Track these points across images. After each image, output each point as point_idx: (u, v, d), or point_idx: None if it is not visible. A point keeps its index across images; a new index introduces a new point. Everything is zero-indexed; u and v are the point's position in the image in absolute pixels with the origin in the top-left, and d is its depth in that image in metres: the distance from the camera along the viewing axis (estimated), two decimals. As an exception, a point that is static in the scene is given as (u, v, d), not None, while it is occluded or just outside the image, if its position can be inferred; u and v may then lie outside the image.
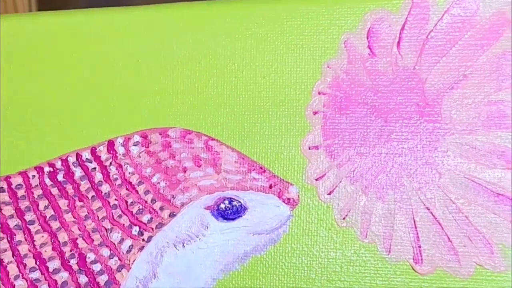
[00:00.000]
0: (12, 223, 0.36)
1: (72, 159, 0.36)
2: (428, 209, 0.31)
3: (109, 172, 0.35)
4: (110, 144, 0.36)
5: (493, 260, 0.30)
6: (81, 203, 0.35)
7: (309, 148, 0.33)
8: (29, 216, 0.36)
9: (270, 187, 0.33)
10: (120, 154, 0.35)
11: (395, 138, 0.32)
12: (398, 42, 0.32)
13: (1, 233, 0.36)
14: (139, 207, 0.34)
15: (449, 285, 0.31)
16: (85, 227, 0.35)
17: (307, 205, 0.33)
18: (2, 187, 0.36)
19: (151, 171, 0.35)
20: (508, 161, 0.31)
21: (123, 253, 0.34)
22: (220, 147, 0.34)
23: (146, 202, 0.34)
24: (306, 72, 0.33)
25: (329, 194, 0.32)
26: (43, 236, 0.35)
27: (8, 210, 0.36)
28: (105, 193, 0.35)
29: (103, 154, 0.36)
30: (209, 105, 0.35)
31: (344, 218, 0.32)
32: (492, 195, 0.31)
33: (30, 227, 0.35)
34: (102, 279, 0.34)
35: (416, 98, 0.32)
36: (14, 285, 0.35)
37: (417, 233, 0.31)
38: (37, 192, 0.36)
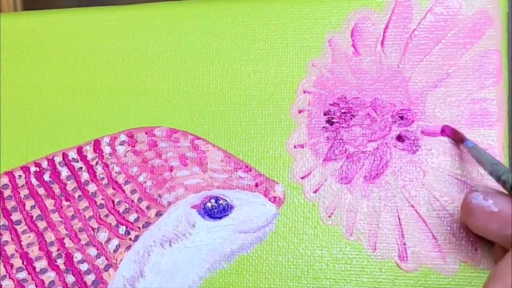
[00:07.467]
0: (-1, 223, 0.36)
1: (58, 159, 0.36)
2: (413, 207, 0.31)
3: (96, 172, 0.35)
4: (96, 144, 0.36)
5: (477, 257, 0.30)
6: (68, 203, 0.35)
7: (295, 147, 0.33)
8: (15, 216, 0.36)
9: (256, 185, 0.33)
10: (106, 154, 0.35)
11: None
12: (382, 41, 0.33)
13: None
14: (125, 206, 0.34)
15: (434, 282, 0.31)
16: (72, 226, 0.35)
17: (293, 203, 0.33)
18: (-12, 187, 0.36)
19: (137, 170, 0.35)
20: (491, 159, 0.31)
21: (110, 252, 0.34)
22: (206, 146, 0.34)
23: (132, 201, 0.34)
24: (291, 71, 0.34)
25: (315, 192, 0.32)
26: (29, 236, 0.35)
27: (-6, 210, 0.36)
28: (92, 192, 0.35)
29: (90, 154, 0.35)
30: (194, 104, 0.35)
31: (329, 216, 0.32)
32: (475, 193, 0.31)
33: (17, 227, 0.35)
34: (89, 278, 0.34)
35: (400, 97, 0.32)
36: (1, 285, 0.35)
37: (402, 231, 0.31)
38: (24, 192, 0.36)
